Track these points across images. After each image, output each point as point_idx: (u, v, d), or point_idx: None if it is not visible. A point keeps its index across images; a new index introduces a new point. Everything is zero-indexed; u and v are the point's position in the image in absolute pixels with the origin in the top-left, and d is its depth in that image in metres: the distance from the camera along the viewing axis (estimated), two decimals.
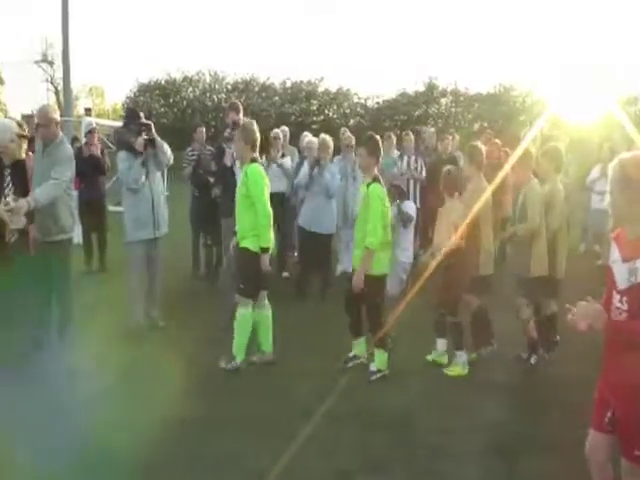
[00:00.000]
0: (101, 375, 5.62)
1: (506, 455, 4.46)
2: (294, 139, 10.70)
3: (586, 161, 10.88)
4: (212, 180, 8.48)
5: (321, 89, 34.96)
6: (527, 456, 4.47)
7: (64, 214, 5.95)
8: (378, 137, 5.93)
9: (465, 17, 76.71)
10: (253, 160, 5.77)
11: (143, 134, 6.59)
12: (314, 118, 34.00)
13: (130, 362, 5.94)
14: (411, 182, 9.77)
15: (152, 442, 4.47)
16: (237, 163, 6.89)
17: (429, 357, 6.14)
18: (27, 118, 15.53)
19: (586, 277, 7.17)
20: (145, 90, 36.76)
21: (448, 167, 6.37)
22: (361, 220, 5.67)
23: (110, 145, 16.40)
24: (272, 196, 9.12)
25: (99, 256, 9.99)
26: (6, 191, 5.40)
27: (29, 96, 79.08)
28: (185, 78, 36.74)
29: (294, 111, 33.62)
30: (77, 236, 9.17)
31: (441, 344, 6.12)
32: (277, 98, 34.57)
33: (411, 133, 10.59)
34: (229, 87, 36.10)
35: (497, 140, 10.94)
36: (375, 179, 5.67)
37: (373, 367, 5.75)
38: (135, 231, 6.72)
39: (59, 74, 35.27)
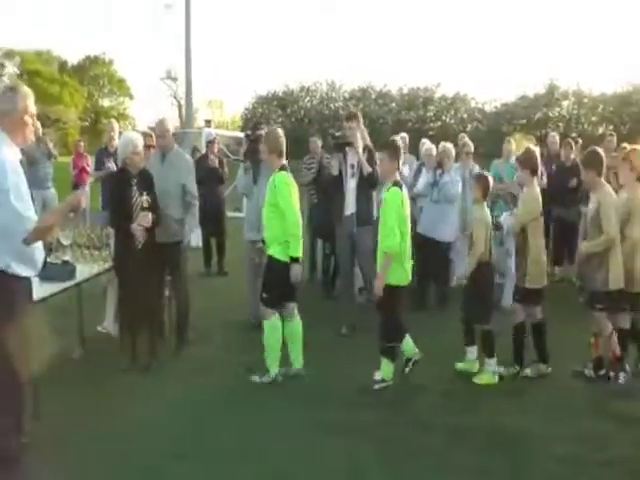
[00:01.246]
0: (217, 377, 5.75)
1: None
2: (410, 147, 10.48)
3: None
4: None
5: (438, 95, 34.62)
6: None
7: (187, 217, 6.36)
8: (400, 142, 5.97)
9: (588, 14, 73.84)
10: (282, 168, 5.59)
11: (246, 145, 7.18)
12: (431, 124, 33.69)
13: (242, 364, 5.97)
14: None
15: (277, 446, 4.50)
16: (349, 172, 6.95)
17: (459, 365, 5.94)
18: (153, 130, 16.21)
19: None
20: (263, 101, 37.70)
21: (478, 171, 6.15)
22: (382, 226, 5.49)
23: (229, 154, 16.88)
24: None
25: (218, 259, 10.36)
26: (134, 199, 5.71)
27: (155, 110, 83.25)
28: (302, 88, 37.37)
29: (411, 118, 33.47)
30: (197, 239, 9.58)
31: (471, 352, 5.93)
32: (394, 105, 34.52)
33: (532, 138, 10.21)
34: (346, 95, 36.38)
35: (627, 145, 10.30)
36: (395, 183, 5.51)
37: (378, 376, 5.55)
38: (246, 232, 7.16)
39: (182, 89, 36.80)
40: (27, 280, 3.79)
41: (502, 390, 5.55)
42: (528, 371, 5.82)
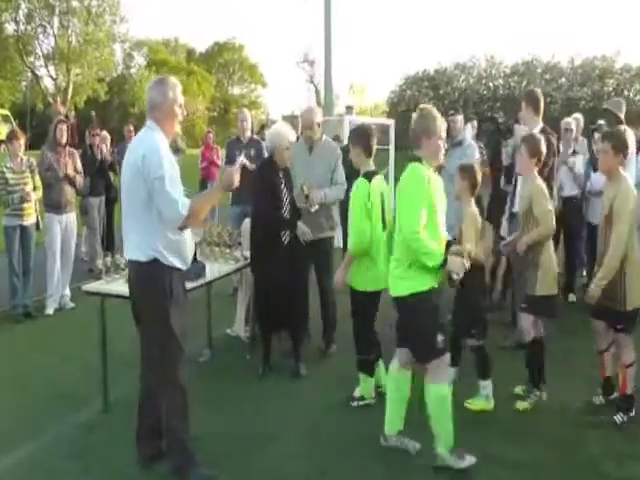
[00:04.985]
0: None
1: None
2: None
3: None
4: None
5: (618, 65, 33.06)
6: None
7: (335, 212, 6.75)
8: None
9: None
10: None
11: None
12: None
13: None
14: None
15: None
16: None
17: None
18: (290, 119, 16.64)
19: None
20: (412, 82, 37.56)
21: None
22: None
23: None
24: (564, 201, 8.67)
25: None
26: (283, 190, 6.01)
27: (289, 97, 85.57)
28: (457, 66, 36.88)
29: (584, 95, 32.17)
30: (338, 239, 9.72)
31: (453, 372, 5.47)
32: (564, 80, 33.35)
33: None
34: (507, 71, 35.59)
35: None
36: (365, 174, 5.46)
37: (357, 392, 5.43)
38: None
39: (319, 73, 37.49)
40: (181, 272, 4.19)
41: None
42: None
